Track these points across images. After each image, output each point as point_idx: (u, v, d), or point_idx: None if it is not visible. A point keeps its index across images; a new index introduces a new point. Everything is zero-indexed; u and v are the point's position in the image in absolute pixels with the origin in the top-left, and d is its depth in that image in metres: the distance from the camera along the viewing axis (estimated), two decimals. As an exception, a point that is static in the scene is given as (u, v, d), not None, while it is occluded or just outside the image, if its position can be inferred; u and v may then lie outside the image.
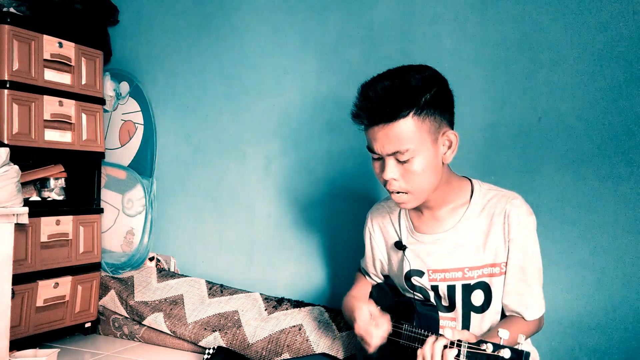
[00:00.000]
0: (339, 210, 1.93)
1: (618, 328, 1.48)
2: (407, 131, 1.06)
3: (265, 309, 1.93)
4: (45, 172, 2.08)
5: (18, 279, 1.83)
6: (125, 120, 2.39)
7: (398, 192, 1.13)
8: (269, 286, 2.06)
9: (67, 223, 2.04)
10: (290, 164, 2.03)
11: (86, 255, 2.12)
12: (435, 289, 1.23)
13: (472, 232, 1.19)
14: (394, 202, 1.18)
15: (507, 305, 1.19)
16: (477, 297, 1.20)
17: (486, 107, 1.66)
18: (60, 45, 2.00)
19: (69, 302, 2.06)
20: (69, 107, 2.04)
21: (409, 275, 1.26)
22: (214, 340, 1.90)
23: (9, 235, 1.59)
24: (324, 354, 1.60)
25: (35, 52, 1.91)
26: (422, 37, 1.77)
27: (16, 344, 1.82)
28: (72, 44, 2.05)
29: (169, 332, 2.01)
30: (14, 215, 1.63)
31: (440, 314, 1.23)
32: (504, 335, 0.91)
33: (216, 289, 2.09)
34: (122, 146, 2.38)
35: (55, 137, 2.00)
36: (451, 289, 1.21)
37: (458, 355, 0.94)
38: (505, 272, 1.18)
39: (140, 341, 2.11)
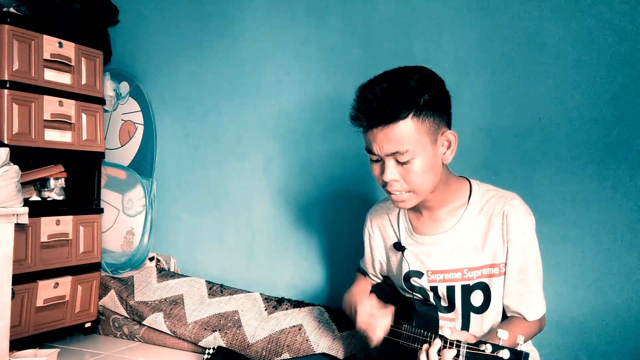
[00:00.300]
0: (339, 211, 1.93)
1: (619, 328, 1.48)
2: (407, 132, 1.06)
3: (265, 309, 1.93)
4: (45, 172, 2.08)
5: (18, 279, 1.83)
6: (125, 120, 2.39)
7: (397, 192, 1.13)
8: (269, 286, 2.06)
9: (67, 223, 2.04)
10: (290, 164, 2.03)
11: (86, 255, 2.12)
12: (434, 289, 1.23)
13: (471, 232, 1.19)
14: (392, 203, 1.19)
15: (508, 306, 1.19)
16: (477, 298, 1.20)
17: (486, 107, 1.66)
18: (60, 45, 2.00)
19: (69, 302, 2.06)
20: (69, 107, 2.04)
21: (408, 276, 1.26)
22: (214, 340, 1.91)
23: (9, 235, 1.60)
24: (324, 354, 1.61)
25: (35, 52, 1.91)
26: (422, 37, 1.77)
27: (16, 344, 1.82)
28: (72, 44, 2.05)
29: (169, 332, 2.01)
30: (14, 215, 1.63)
31: (440, 314, 1.23)
32: (503, 335, 0.91)
33: (216, 289, 2.09)
34: (122, 146, 2.39)
35: (55, 137, 2.00)
36: (450, 290, 1.21)
37: (457, 355, 0.94)
38: (505, 272, 1.18)
39: (140, 341, 2.11)
